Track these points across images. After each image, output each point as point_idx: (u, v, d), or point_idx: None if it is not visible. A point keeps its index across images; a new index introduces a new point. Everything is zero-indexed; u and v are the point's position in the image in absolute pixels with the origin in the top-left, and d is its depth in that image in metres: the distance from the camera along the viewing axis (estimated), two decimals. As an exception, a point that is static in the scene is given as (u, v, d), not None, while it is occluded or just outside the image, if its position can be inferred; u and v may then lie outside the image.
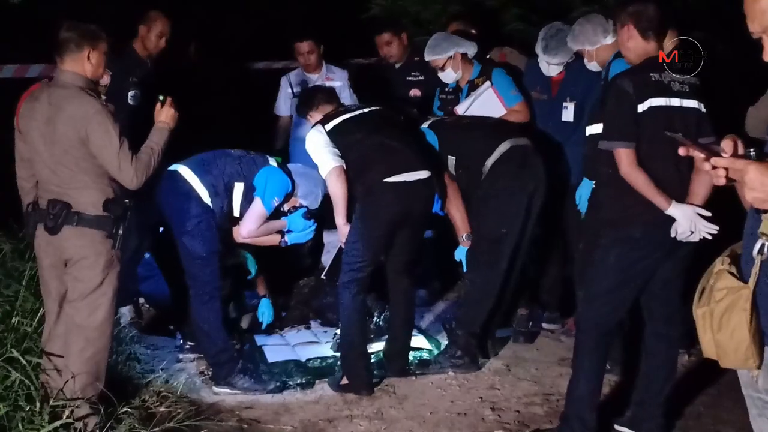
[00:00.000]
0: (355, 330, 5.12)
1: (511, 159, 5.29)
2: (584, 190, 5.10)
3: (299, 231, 5.47)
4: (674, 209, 4.06)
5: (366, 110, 5.38)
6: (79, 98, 4.10)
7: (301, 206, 5.45)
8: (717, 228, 4.05)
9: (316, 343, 5.78)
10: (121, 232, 4.18)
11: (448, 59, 5.81)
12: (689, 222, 4.05)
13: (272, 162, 5.34)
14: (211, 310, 5.08)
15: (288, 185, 5.32)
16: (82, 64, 4.16)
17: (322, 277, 5.75)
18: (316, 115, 5.37)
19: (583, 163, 5.27)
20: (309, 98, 5.54)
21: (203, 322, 5.08)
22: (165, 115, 4.35)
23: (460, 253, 5.51)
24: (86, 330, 4.17)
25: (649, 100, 4.08)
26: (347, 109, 5.42)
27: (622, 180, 4.10)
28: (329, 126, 5.20)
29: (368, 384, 5.10)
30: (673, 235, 4.09)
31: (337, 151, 5.10)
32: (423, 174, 5.08)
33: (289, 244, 5.50)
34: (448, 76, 5.89)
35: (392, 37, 6.68)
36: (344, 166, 5.08)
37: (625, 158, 4.08)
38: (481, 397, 5.03)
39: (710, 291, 2.53)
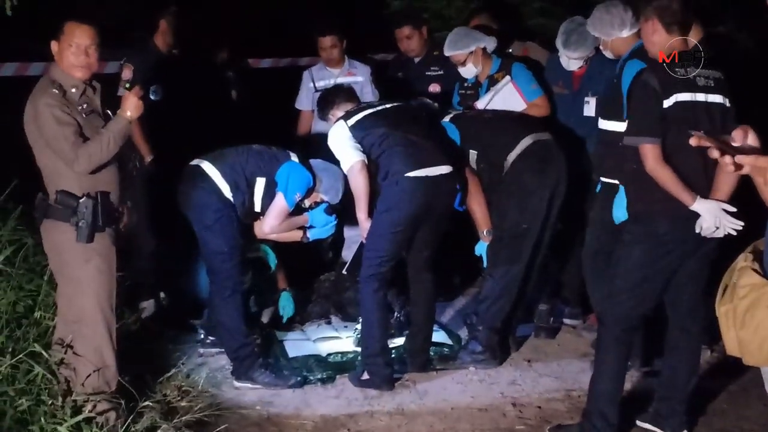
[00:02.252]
0: (376, 325, 5.12)
1: (534, 154, 5.27)
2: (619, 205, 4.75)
3: (321, 226, 5.47)
4: (699, 205, 4.03)
5: (388, 106, 5.38)
6: (38, 87, 4.12)
7: (323, 201, 5.45)
8: (742, 224, 4.02)
9: (337, 338, 5.78)
10: (81, 224, 4.08)
11: (469, 54, 5.79)
12: (714, 218, 4.02)
13: (294, 158, 5.33)
14: (233, 305, 5.08)
15: (309, 181, 5.31)
16: (54, 55, 4.18)
17: (344, 272, 5.74)
18: (338, 113, 5.37)
19: (592, 159, 5.25)
20: (330, 98, 5.55)
21: (224, 317, 5.09)
22: (128, 103, 4.22)
23: (481, 249, 5.50)
24: (74, 325, 4.16)
25: (675, 95, 4.06)
26: (370, 105, 5.43)
27: (646, 176, 4.08)
28: (351, 121, 5.19)
29: (389, 380, 5.10)
30: (697, 231, 4.06)
31: (359, 145, 5.10)
32: (445, 169, 5.07)
33: (311, 239, 5.50)
34: (469, 71, 5.87)
35: (412, 31, 6.65)
36: (366, 160, 5.08)
37: (650, 154, 4.05)
38: (502, 393, 5.02)
39: (733, 288, 2.51)
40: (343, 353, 5.56)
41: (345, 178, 5.28)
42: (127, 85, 4.27)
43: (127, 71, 5.98)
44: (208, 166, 5.10)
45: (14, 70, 7.11)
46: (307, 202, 5.43)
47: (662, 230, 4.15)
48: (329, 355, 5.53)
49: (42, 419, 3.86)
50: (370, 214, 5.11)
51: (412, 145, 5.07)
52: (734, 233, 4.03)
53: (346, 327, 5.92)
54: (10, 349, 4.21)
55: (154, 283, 6.08)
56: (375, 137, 5.11)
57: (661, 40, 4.21)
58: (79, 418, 3.91)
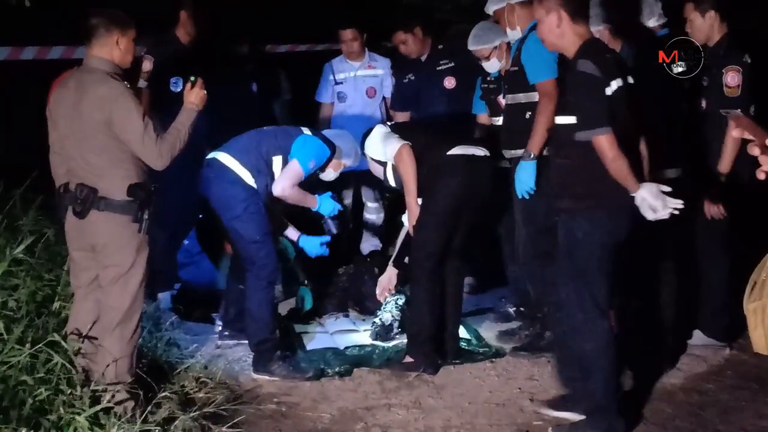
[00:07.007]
0: (427, 310, 5.14)
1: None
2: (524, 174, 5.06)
3: (327, 213, 5.49)
4: (641, 190, 3.99)
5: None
6: (104, 81, 4.12)
7: (346, 166, 5.50)
8: (682, 202, 3.99)
9: (354, 331, 5.79)
10: (146, 216, 4.18)
11: (494, 49, 5.74)
12: (657, 200, 3.96)
13: (306, 131, 5.34)
14: (266, 298, 5.11)
15: (326, 152, 5.31)
16: (110, 49, 4.18)
17: (391, 265, 5.68)
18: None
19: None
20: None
21: (255, 309, 5.09)
22: (194, 96, 4.32)
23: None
24: (119, 312, 4.19)
25: (614, 81, 3.98)
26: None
27: (589, 165, 3.99)
28: (389, 126, 5.41)
29: (435, 363, 5.14)
30: (644, 214, 4.00)
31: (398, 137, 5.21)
32: (486, 151, 5.16)
33: (318, 209, 5.47)
34: (493, 65, 5.81)
35: (406, 36, 6.48)
36: (411, 145, 5.13)
37: (608, 144, 3.91)
38: (519, 388, 4.99)
39: (762, 285, 2.49)
40: (360, 346, 5.56)
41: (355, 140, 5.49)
42: (192, 79, 4.31)
43: (147, 63, 5.99)
44: (225, 157, 5.10)
45: (61, 53, 7.09)
46: (332, 172, 5.45)
47: (605, 217, 4.09)
48: (347, 348, 5.53)
49: (60, 408, 3.86)
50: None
51: (450, 127, 5.15)
52: (677, 213, 4.01)
53: (363, 320, 5.93)
54: (29, 339, 4.21)
55: (173, 274, 6.08)
56: (414, 128, 5.37)
57: (568, 30, 4.09)
58: (98, 408, 3.91)
